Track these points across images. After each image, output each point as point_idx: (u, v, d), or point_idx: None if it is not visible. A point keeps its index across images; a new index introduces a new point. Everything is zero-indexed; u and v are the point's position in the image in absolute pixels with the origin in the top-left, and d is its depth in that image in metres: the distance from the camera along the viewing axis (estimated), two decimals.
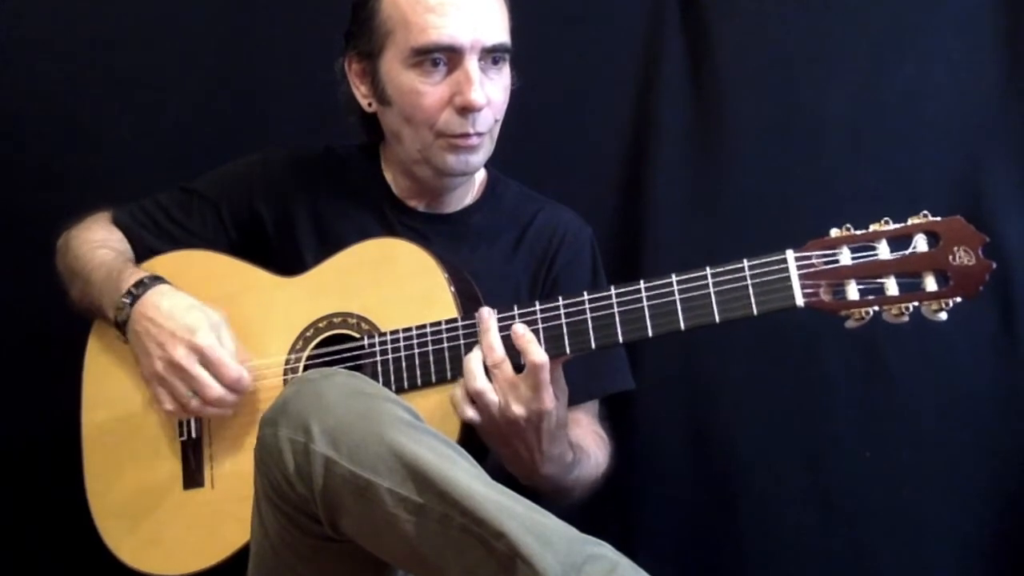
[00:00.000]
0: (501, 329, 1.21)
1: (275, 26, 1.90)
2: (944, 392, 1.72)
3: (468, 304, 1.29)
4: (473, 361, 1.20)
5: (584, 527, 1.02)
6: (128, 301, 1.33)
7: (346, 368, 1.19)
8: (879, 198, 1.73)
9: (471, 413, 1.20)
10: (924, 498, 1.72)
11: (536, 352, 1.18)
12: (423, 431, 1.06)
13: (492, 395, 1.18)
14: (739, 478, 1.79)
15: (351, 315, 1.33)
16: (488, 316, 1.22)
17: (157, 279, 1.36)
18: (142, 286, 1.34)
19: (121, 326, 1.34)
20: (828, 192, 1.76)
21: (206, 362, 1.28)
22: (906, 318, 1.11)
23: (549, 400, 1.18)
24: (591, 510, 1.38)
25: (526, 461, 1.23)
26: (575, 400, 1.38)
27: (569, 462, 1.29)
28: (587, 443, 1.39)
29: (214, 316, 1.32)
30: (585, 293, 1.21)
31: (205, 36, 1.91)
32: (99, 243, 1.45)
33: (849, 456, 1.75)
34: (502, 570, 0.96)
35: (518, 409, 1.18)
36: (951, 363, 1.70)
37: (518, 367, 1.19)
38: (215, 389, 1.28)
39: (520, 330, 1.20)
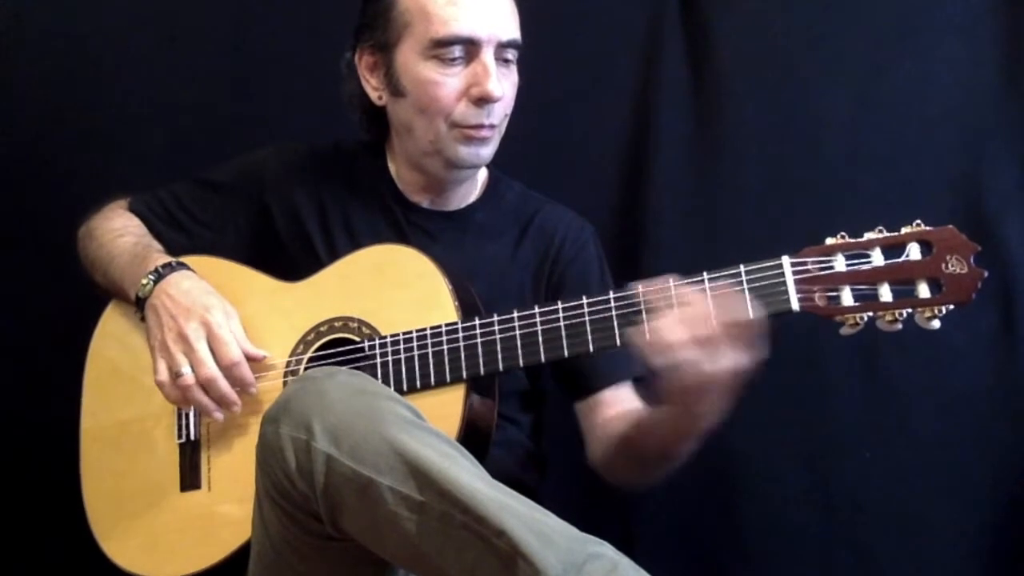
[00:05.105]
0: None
1: (280, 24, 1.91)
2: (944, 392, 1.72)
3: (467, 309, 1.30)
4: (671, 317, 1.14)
5: (584, 527, 1.02)
6: (153, 278, 1.36)
7: None
8: (879, 197, 1.73)
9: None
10: (924, 498, 1.72)
11: (744, 308, 1.11)
12: (425, 429, 1.07)
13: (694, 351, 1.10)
14: (739, 478, 1.79)
15: (352, 319, 1.33)
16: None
17: (183, 265, 1.39)
18: (169, 268, 1.37)
19: (141, 301, 1.36)
20: (828, 192, 1.77)
21: (211, 337, 1.29)
22: (900, 326, 1.12)
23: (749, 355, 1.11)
24: (591, 510, 1.38)
25: (699, 422, 1.18)
26: (620, 379, 1.41)
27: None
28: None
29: (229, 307, 1.34)
30: (584, 297, 1.22)
31: (208, 33, 1.91)
32: (119, 231, 1.48)
33: (849, 456, 1.75)
34: (503, 568, 0.96)
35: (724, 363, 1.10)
36: (951, 363, 1.70)
37: None
38: (209, 368, 1.28)
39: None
